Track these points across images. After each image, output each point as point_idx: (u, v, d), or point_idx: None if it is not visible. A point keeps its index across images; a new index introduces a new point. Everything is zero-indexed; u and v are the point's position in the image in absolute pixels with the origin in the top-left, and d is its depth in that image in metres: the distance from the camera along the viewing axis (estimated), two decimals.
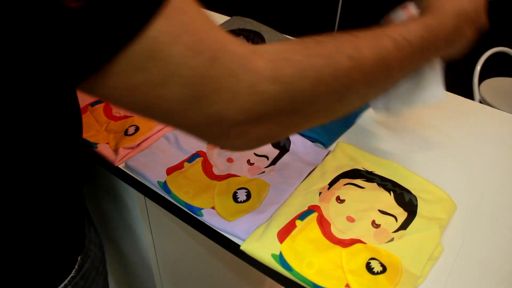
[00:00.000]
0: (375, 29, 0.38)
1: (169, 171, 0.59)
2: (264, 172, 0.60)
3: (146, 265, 0.78)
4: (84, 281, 0.54)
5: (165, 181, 0.57)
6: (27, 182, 0.40)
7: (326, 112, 0.36)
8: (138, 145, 0.63)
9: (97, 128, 0.66)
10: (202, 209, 0.54)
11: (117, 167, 0.61)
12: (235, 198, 0.55)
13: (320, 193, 0.56)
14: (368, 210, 0.54)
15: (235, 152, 0.53)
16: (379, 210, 0.54)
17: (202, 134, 0.32)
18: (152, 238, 0.72)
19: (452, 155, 0.65)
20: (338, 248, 0.49)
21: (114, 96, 0.28)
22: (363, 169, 0.60)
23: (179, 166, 0.60)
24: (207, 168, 0.60)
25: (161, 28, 0.25)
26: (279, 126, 0.33)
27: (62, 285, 0.49)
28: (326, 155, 0.62)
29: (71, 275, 0.50)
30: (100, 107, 0.71)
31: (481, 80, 1.72)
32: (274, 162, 0.61)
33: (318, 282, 0.45)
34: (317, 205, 0.54)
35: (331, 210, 0.53)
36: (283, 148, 0.64)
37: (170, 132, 0.65)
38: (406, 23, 0.42)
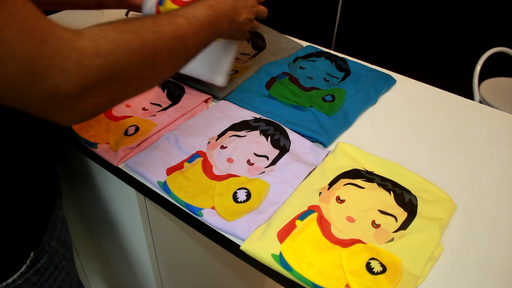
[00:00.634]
0: (171, 11, 0.47)
1: (169, 171, 0.59)
2: (264, 172, 0.60)
3: (146, 265, 0.78)
4: (37, 276, 0.54)
5: (165, 181, 0.57)
6: None
7: (143, 79, 0.43)
8: (138, 145, 0.63)
9: (97, 128, 0.66)
10: (202, 209, 0.54)
11: (117, 167, 0.61)
12: (235, 198, 0.55)
13: (320, 193, 0.56)
14: (368, 210, 0.54)
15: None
16: (379, 210, 0.54)
17: (39, 110, 0.36)
18: (152, 238, 0.72)
19: (452, 155, 0.65)
20: (338, 248, 0.49)
21: None
22: (363, 169, 0.60)
23: (179, 166, 0.60)
24: (207, 168, 0.60)
25: None
26: (106, 95, 0.39)
27: (11, 279, 0.50)
28: (326, 155, 0.62)
29: (21, 270, 0.51)
30: None
31: (481, 80, 1.72)
32: (274, 162, 0.61)
33: (318, 282, 0.45)
34: (317, 205, 0.54)
35: (331, 210, 0.53)
36: (283, 148, 0.64)
37: (170, 132, 0.65)
38: (193, 4, 0.51)
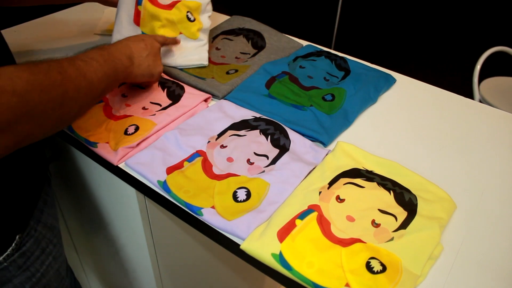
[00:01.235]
0: (68, 57, 0.51)
1: (169, 170, 0.59)
2: (264, 171, 0.60)
3: (146, 265, 0.78)
4: (23, 259, 0.57)
5: (165, 181, 0.57)
6: None
7: (54, 117, 0.45)
8: (138, 144, 0.63)
9: (97, 128, 0.66)
10: (202, 208, 0.54)
11: (117, 167, 0.61)
12: (235, 197, 0.55)
13: (320, 192, 0.56)
14: (368, 209, 0.54)
15: None
16: (379, 210, 0.54)
17: None
18: (152, 238, 0.72)
19: (452, 154, 0.65)
20: (338, 248, 0.49)
21: None
22: (363, 169, 0.60)
23: (179, 166, 0.60)
24: (207, 168, 0.60)
25: None
26: (19, 133, 0.41)
27: None
28: (326, 155, 0.62)
29: (6, 253, 0.54)
30: (99, 106, 0.71)
31: (481, 79, 1.72)
32: (274, 161, 0.61)
33: (318, 281, 0.45)
34: (317, 205, 0.54)
35: (331, 209, 0.53)
36: (283, 147, 0.64)
37: (170, 131, 0.65)
38: (87, 51, 0.57)
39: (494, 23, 1.98)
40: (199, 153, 0.62)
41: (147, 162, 0.60)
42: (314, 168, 0.60)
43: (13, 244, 0.54)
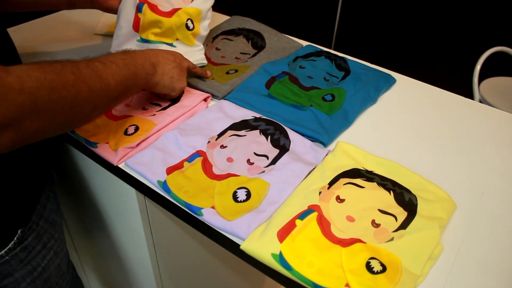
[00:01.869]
0: (88, 59, 0.52)
1: (169, 170, 0.59)
2: (264, 171, 0.60)
3: (146, 265, 0.78)
4: (25, 253, 0.57)
5: (165, 181, 0.57)
6: None
7: (62, 117, 0.46)
8: (138, 144, 0.63)
9: (97, 128, 0.66)
10: (202, 208, 0.54)
11: (117, 167, 0.61)
12: (235, 197, 0.55)
13: (320, 192, 0.56)
14: (368, 209, 0.54)
15: None
16: (379, 210, 0.54)
17: None
18: (152, 238, 0.72)
19: (452, 154, 0.65)
20: (338, 248, 0.49)
21: None
22: (363, 169, 0.60)
23: (179, 166, 0.60)
24: (207, 168, 0.60)
25: None
26: (25, 131, 0.42)
27: None
28: (326, 155, 0.62)
29: (8, 247, 0.54)
30: None
31: (481, 79, 1.72)
32: (274, 161, 0.61)
33: (318, 281, 0.45)
34: (317, 205, 0.54)
35: (331, 209, 0.53)
36: (283, 147, 0.64)
37: (170, 131, 0.65)
38: (109, 54, 0.57)
39: (494, 23, 1.98)
40: (199, 153, 0.62)
41: (147, 162, 0.60)
42: (314, 168, 0.60)
43: (15, 238, 0.55)
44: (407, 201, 0.55)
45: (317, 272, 0.46)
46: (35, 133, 0.43)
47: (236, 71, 0.81)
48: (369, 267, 0.47)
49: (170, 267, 0.82)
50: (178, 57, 0.68)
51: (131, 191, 0.63)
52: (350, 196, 0.55)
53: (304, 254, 0.48)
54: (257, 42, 0.91)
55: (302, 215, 0.52)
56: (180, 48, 0.80)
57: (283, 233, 0.49)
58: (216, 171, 0.60)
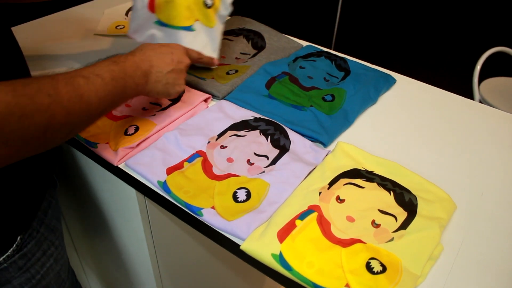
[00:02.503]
0: (72, 71, 0.47)
1: (169, 171, 0.59)
2: (264, 172, 0.60)
3: (146, 265, 0.78)
4: (24, 261, 0.56)
5: (165, 181, 0.57)
6: None
7: (35, 141, 0.42)
8: (138, 145, 0.63)
9: (97, 128, 0.66)
10: (202, 209, 0.54)
11: (117, 167, 0.61)
12: (235, 198, 0.55)
13: (320, 192, 0.56)
14: (368, 209, 0.54)
15: None
16: (379, 210, 0.54)
17: None
18: (152, 238, 0.72)
19: (452, 155, 0.65)
20: (338, 248, 0.49)
21: None
22: (363, 169, 0.60)
23: (179, 166, 0.60)
24: (207, 168, 0.60)
25: None
26: None
27: None
28: (326, 155, 0.62)
29: (7, 254, 0.53)
30: None
31: (481, 79, 1.72)
32: (274, 162, 0.61)
33: (318, 281, 0.45)
34: (317, 205, 0.54)
35: (331, 209, 0.53)
36: (283, 147, 0.64)
37: (170, 132, 0.65)
38: (97, 63, 0.52)
39: (494, 23, 1.99)
40: (199, 154, 0.62)
41: (147, 163, 0.60)
42: (314, 168, 0.60)
43: (14, 245, 0.54)
44: (407, 201, 0.55)
45: (317, 272, 0.46)
46: (4, 159, 0.41)
47: (236, 71, 0.81)
48: (369, 267, 0.47)
49: (170, 267, 0.82)
50: (177, 56, 0.63)
51: (131, 191, 0.63)
52: (350, 196, 0.55)
53: (304, 254, 0.48)
54: (257, 42, 0.91)
55: (302, 215, 0.52)
56: (201, 33, 0.75)
57: (283, 233, 0.50)
58: (216, 171, 0.60)
